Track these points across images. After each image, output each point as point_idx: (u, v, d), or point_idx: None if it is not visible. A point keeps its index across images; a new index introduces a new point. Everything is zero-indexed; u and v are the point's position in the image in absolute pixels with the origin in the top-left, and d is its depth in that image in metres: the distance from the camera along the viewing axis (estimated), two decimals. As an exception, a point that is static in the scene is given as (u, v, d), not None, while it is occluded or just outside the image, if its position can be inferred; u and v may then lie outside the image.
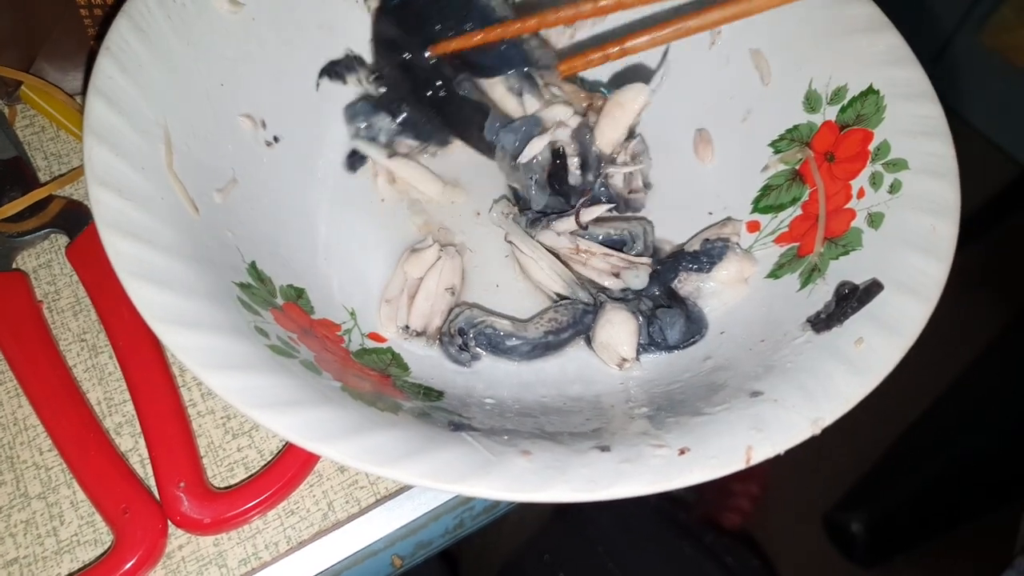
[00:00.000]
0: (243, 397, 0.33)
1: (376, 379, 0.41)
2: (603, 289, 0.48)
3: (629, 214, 0.51)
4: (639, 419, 0.38)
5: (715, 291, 0.47)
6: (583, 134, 0.49)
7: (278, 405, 0.33)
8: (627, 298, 0.48)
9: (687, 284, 0.47)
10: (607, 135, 0.49)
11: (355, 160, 0.53)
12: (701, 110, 0.55)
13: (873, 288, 0.40)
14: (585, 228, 0.48)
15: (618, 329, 0.45)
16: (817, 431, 0.34)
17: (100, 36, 0.56)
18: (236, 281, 0.40)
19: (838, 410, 0.35)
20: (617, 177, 0.50)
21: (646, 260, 0.48)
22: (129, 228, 0.37)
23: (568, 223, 0.48)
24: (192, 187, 0.42)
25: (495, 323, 0.47)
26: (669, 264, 0.48)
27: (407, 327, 0.47)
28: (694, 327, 0.46)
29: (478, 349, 0.47)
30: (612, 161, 0.50)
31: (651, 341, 0.46)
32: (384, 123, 0.53)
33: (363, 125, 0.53)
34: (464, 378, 0.45)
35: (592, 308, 0.47)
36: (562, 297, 0.48)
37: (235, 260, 0.42)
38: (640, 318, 0.46)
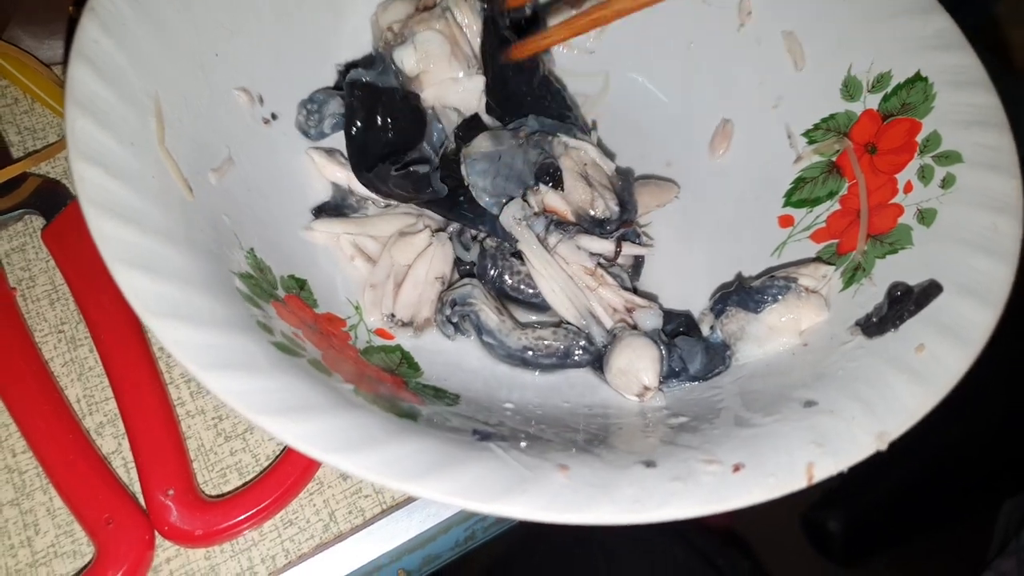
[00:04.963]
0: (249, 402, 0.29)
1: (388, 380, 0.38)
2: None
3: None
4: (679, 430, 0.35)
5: (758, 336, 0.42)
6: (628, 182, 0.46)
7: (288, 411, 0.29)
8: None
9: (731, 322, 0.42)
10: (646, 201, 0.47)
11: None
12: (727, 96, 0.51)
13: (931, 290, 0.37)
14: (613, 261, 0.45)
15: (639, 354, 0.41)
16: (883, 447, 0.31)
17: (79, 2, 0.52)
18: (235, 271, 0.36)
19: (903, 423, 0.32)
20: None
21: (653, 303, 0.44)
22: (118, 209, 0.32)
23: (600, 245, 0.44)
24: (185, 166, 0.38)
25: (482, 312, 0.43)
26: (720, 296, 0.44)
27: (392, 315, 0.43)
28: (716, 358, 0.42)
29: (467, 326, 0.43)
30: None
31: (671, 372, 0.42)
32: (333, 108, 0.47)
33: (313, 114, 0.48)
34: (482, 381, 0.42)
35: (594, 351, 0.43)
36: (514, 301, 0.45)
37: (232, 247, 0.38)
38: (660, 347, 0.42)
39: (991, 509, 1.15)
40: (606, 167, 0.47)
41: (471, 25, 0.47)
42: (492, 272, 0.45)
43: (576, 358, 0.43)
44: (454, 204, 0.45)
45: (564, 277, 0.43)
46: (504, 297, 0.45)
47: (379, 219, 0.46)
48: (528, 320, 0.45)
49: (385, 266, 0.44)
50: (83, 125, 0.34)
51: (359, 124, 0.45)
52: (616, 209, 0.46)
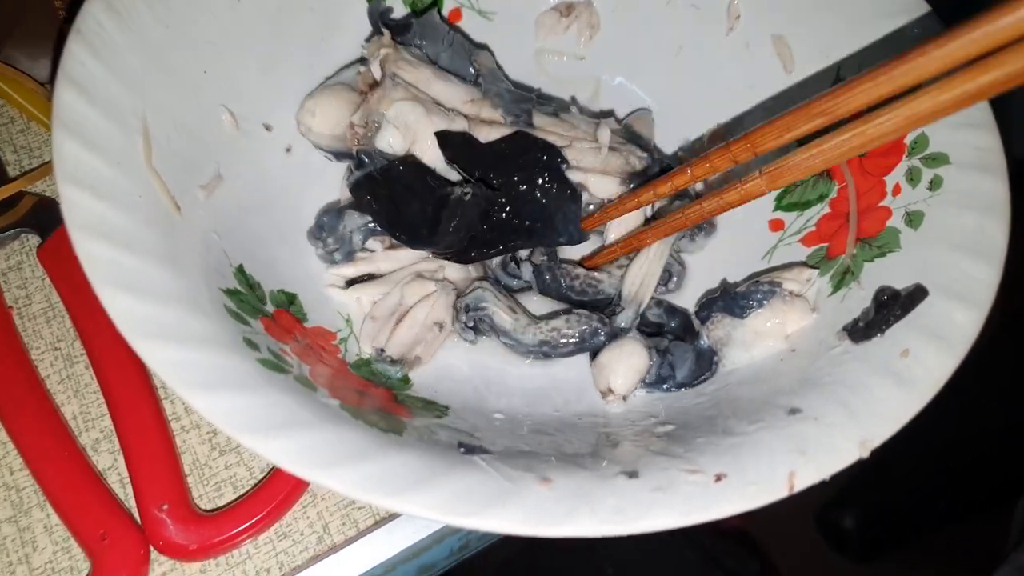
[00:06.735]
0: (231, 420, 0.29)
1: (377, 394, 0.38)
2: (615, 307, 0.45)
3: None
4: (665, 439, 0.35)
5: (744, 341, 0.42)
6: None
7: (270, 428, 0.30)
8: (650, 332, 0.44)
9: (718, 328, 0.43)
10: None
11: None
12: (718, 100, 0.51)
13: (917, 294, 0.36)
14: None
15: (624, 358, 0.41)
16: (866, 454, 0.31)
17: (71, 19, 0.52)
18: (222, 287, 0.37)
19: (887, 430, 0.32)
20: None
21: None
22: (104, 230, 0.33)
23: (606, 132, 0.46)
24: (173, 184, 0.38)
25: (496, 315, 0.43)
26: (705, 302, 0.44)
27: (382, 351, 0.43)
28: (704, 364, 0.42)
29: (485, 327, 0.44)
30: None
31: (659, 378, 0.42)
32: (353, 223, 0.45)
33: (330, 239, 0.45)
34: (472, 389, 0.42)
35: (607, 328, 0.43)
36: (581, 304, 0.45)
37: (221, 264, 0.39)
38: (655, 357, 0.42)
39: (1007, 504, 1.14)
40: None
41: (419, 77, 0.46)
42: (553, 285, 0.46)
43: (593, 340, 0.43)
44: (510, 230, 0.45)
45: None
46: (569, 303, 0.46)
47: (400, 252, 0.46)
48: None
49: (392, 303, 0.44)
50: (70, 147, 0.34)
51: (389, 209, 0.44)
52: (645, 155, 0.48)
